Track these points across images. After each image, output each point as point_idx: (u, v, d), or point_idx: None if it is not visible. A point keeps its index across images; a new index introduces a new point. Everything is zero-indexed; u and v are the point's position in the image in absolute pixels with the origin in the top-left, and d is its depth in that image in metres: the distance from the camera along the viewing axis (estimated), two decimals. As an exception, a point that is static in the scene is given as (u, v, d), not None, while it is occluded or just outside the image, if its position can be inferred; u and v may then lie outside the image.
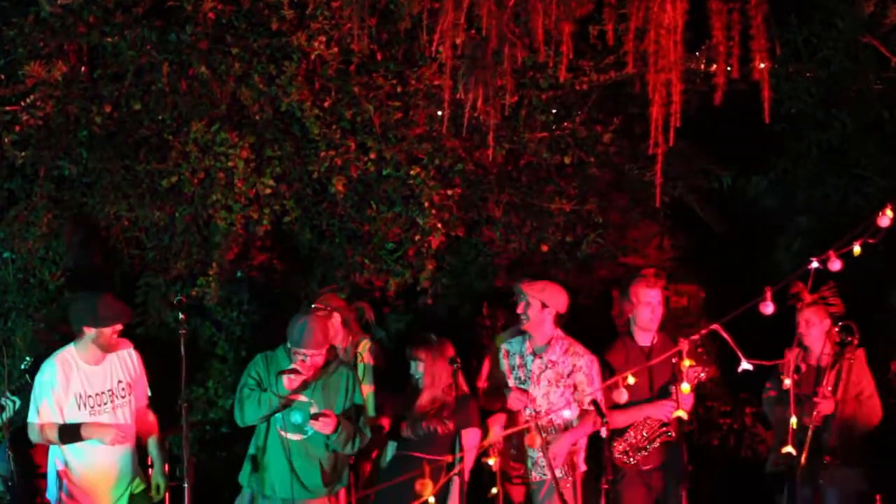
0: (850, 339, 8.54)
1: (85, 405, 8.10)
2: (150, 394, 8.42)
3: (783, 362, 8.59)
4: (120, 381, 8.19)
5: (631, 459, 8.65)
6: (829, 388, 8.57)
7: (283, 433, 8.10)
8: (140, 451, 8.39)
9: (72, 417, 8.08)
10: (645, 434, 8.63)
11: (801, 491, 8.58)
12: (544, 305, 8.59)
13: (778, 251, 10.55)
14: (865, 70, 9.94)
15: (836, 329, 8.54)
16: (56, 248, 9.47)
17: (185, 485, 7.90)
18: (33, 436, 8.12)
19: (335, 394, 8.19)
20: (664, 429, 8.54)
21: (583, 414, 8.45)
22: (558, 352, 8.64)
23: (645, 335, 8.79)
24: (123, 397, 8.19)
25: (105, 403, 8.14)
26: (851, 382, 8.63)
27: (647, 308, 8.75)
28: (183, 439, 7.99)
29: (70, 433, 8.04)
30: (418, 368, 8.49)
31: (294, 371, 7.92)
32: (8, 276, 9.56)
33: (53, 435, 8.03)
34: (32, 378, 8.16)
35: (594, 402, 8.18)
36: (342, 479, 8.35)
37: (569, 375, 8.61)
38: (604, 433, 8.06)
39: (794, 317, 8.64)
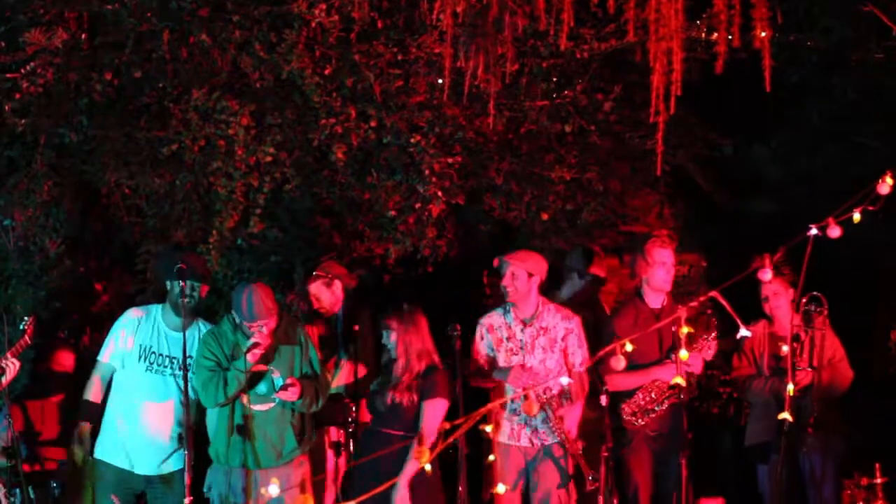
0: (819, 309, 8.57)
1: (146, 359, 8.24)
2: None
3: (750, 337, 8.61)
4: (190, 357, 8.22)
5: (639, 421, 8.66)
6: (805, 359, 8.63)
7: (249, 405, 8.09)
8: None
9: (129, 364, 8.24)
10: (653, 395, 8.64)
11: (784, 460, 8.64)
12: (530, 274, 8.60)
13: (777, 218, 10.57)
14: (866, 39, 9.92)
15: (804, 300, 8.57)
16: (56, 215, 9.47)
17: (185, 451, 7.92)
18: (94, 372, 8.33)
19: (292, 356, 8.19)
20: (672, 391, 8.54)
21: (575, 378, 8.46)
22: (549, 317, 8.66)
23: (656, 297, 8.79)
24: (182, 370, 8.21)
25: (165, 367, 8.26)
26: (825, 350, 8.68)
27: (661, 268, 8.75)
28: (183, 406, 8.01)
29: (83, 408, 8.17)
30: (390, 338, 8.41)
31: (256, 345, 7.91)
32: (8, 244, 9.57)
33: (92, 387, 8.24)
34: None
35: (594, 369, 8.21)
36: (312, 435, 8.36)
37: (562, 339, 8.63)
38: (603, 401, 8.08)
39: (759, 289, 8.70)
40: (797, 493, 8.72)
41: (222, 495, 8.11)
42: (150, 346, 8.27)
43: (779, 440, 8.37)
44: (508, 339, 8.67)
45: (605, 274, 9.61)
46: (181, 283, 8.15)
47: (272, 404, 8.11)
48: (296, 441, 8.18)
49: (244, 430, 8.06)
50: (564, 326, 8.67)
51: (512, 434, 8.63)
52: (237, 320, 8.07)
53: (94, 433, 8.26)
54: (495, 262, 8.71)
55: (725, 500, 8.76)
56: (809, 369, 8.59)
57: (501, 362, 8.64)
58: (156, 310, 8.38)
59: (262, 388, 8.09)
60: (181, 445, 8.07)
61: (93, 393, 8.27)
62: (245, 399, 8.06)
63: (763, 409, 8.73)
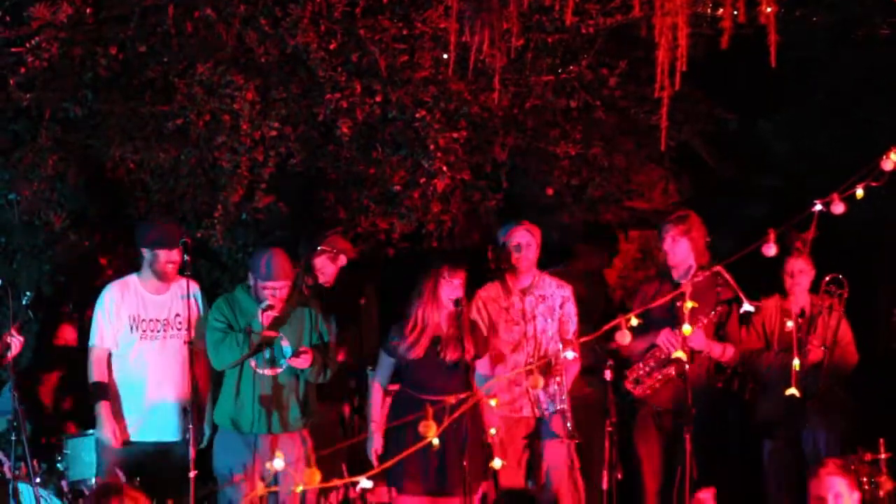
0: (839, 291, 8.58)
1: (137, 328, 8.32)
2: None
3: (760, 310, 8.63)
4: (178, 315, 8.36)
5: (637, 389, 8.68)
6: (818, 338, 8.65)
7: (257, 370, 8.13)
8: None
9: (124, 339, 8.31)
10: (652, 364, 8.66)
11: (788, 437, 8.66)
12: (538, 244, 8.68)
13: (782, 193, 10.55)
14: (872, 15, 9.90)
15: (826, 279, 8.58)
16: (61, 190, 9.46)
17: (190, 425, 7.95)
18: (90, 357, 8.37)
19: (302, 327, 8.25)
20: (671, 365, 8.54)
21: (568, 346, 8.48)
22: (545, 286, 8.70)
23: (677, 271, 8.80)
24: (179, 330, 8.34)
25: (158, 331, 8.34)
26: (838, 331, 8.70)
27: (665, 243, 8.79)
28: (189, 380, 8.03)
29: (95, 391, 8.24)
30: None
31: (270, 307, 7.98)
32: (13, 218, 9.57)
33: (93, 369, 8.28)
34: (34, 313, 8.26)
35: (599, 345, 8.23)
36: (313, 411, 8.39)
37: (560, 307, 8.67)
38: (608, 375, 8.09)
39: (784, 264, 8.71)
40: (800, 470, 8.73)
41: (227, 461, 8.18)
42: (138, 315, 8.33)
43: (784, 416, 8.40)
44: (508, 309, 8.69)
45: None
46: (162, 251, 8.28)
47: (280, 370, 8.14)
48: (300, 411, 8.21)
49: (246, 394, 8.11)
50: (561, 294, 8.75)
51: (513, 406, 8.66)
52: (252, 282, 8.14)
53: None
54: (517, 232, 8.69)
55: (716, 489, 8.75)
56: (822, 348, 8.61)
57: (502, 333, 8.67)
58: (133, 278, 8.44)
59: (268, 352, 8.13)
60: (186, 419, 8.09)
61: (97, 374, 8.33)
62: (253, 363, 8.10)
63: (772, 386, 8.73)
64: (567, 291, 8.80)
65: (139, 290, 8.41)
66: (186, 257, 8.12)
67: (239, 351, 8.07)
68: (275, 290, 8.06)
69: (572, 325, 8.70)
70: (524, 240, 8.71)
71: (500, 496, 8.64)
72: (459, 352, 8.20)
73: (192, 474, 7.80)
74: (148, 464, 8.30)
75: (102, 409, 8.26)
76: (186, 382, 8.21)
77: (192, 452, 7.87)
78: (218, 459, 8.24)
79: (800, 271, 8.77)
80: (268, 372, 8.15)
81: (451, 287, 8.27)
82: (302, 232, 9.69)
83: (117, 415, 8.30)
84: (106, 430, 8.23)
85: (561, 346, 8.44)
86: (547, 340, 8.64)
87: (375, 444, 8.31)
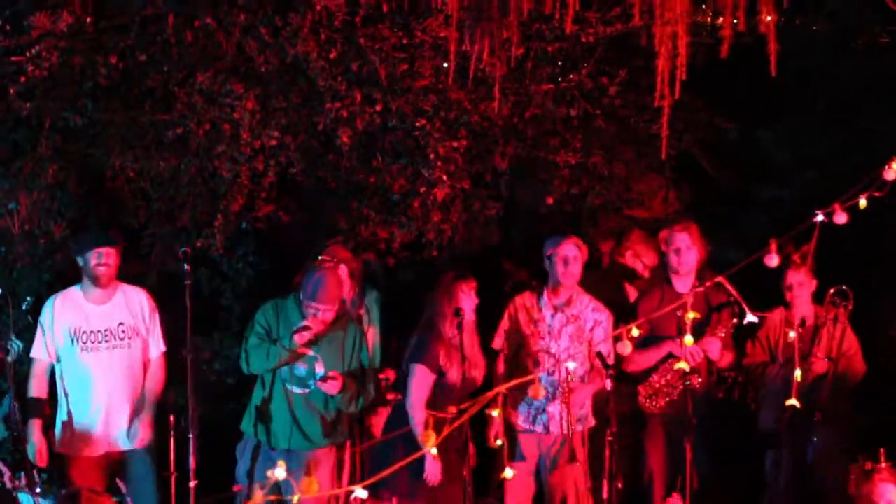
0: (844, 303, 8.57)
1: (78, 340, 8.22)
2: (163, 348, 8.45)
3: (767, 322, 8.66)
4: (121, 324, 8.29)
5: (656, 403, 8.67)
6: (823, 350, 8.64)
7: (287, 386, 8.13)
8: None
9: (64, 352, 8.23)
10: (668, 378, 8.64)
11: (792, 448, 8.65)
12: (584, 261, 8.63)
13: (783, 204, 10.55)
14: (872, 23, 9.91)
15: (832, 291, 8.57)
16: (61, 199, 9.46)
17: (190, 435, 7.94)
18: (32, 369, 8.31)
19: (341, 351, 8.19)
20: (688, 376, 8.52)
21: (592, 368, 8.48)
22: (582, 306, 8.63)
23: (681, 281, 8.77)
24: (122, 339, 8.28)
25: (100, 342, 8.25)
26: (843, 343, 8.68)
27: (672, 253, 8.75)
28: (188, 390, 8.01)
29: (29, 407, 8.21)
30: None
31: (306, 328, 7.93)
32: (13, 228, 9.56)
33: (33, 383, 8.24)
34: (34, 318, 8.24)
35: (598, 354, 8.20)
36: (345, 432, 8.38)
37: (590, 330, 8.61)
38: (608, 385, 8.07)
39: (783, 276, 8.70)
40: (802, 481, 8.72)
41: (248, 471, 8.18)
42: (80, 327, 8.26)
43: (787, 427, 8.39)
44: (537, 322, 8.65)
45: None
46: (90, 253, 8.21)
47: (307, 390, 8.12)
48: (321, 433, 8.19)
49: (272, 408, 8.10)
50: (594, 318, 8.66)
51: (528, 419, 8.64)
52: (301, 298, 8.10)
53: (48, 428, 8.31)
54: (566, 245, 8.62)
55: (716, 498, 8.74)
56: (826, 360, 8.60)
57: (528, 345, 8.64)
58: (75, 290, 8.36)
59: (301, 371, 8.12)
60: (132, 428, 8.11)
61: (36, 389, 8.26)
62: (284, 378, 8.11)
63: (775, 396, 8.72)
64: (603, 316, 8.69)
65: (80, 302, 8.31)
66: (186, 266, 8.09)
67: (265, 362, 8.04)
68: (317, 311, 8.01)
69: (604, 350, 8.55)
70: (571, 254, 8.60)
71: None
72: (482, 369, 8.21)
73: (192, 484, 7.79)
74: (108, 474, 8.29)
75: (34, 427, 8.17)
76: (134, 393, 8.27)
77: (192, 462, 7.86)
78: (240, 466, 8.23)
79: (799, 284, 8.75)
80: (297, 390, 8.13)
81: (470, 300, 8.28)
82: (302, 242, 9.70)
83: (65, 427, 8.27)
84: (34, 447, 8.15)
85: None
86: (566, 360, 8.58)
87: (432, 470, 8.21)
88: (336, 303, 8.07)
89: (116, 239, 8.33)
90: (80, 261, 8.30)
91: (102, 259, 8.22)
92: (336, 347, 8.18)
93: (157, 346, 8.45)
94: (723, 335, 8.63)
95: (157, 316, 8.45)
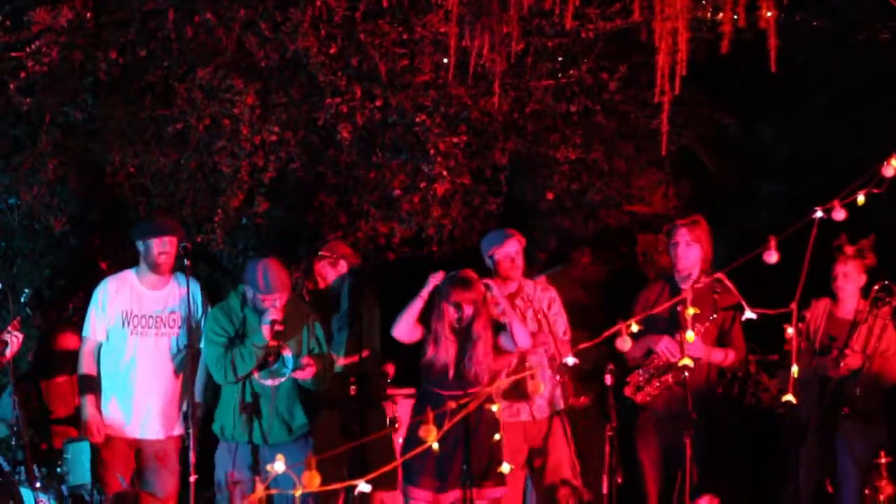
0: (888, 298, 8.55)
1: (129, 323, 8.25)
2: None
3: (811, 311, 8.66)
4: (173, 312, 8.30)
5: (638, 396, 8.66)
6: (860, 344, 8.61)
7: (261, 381, 8.10)
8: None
9: (114, 334, 8.25)
10: (651, 371, 8.63)
11: (815, 443, 8.64)
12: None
13: (783, 200, 10.55)
14: (872, 19, 9.90)
15: (876, 287, 8.55)
16: (61, 194, 9.47)
17: (191, 430, 7.95)
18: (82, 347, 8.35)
19: (301, 334, 8.19)
20: (666, 375, 8.53)
21: (563, 345, 8.46)
22: (529, 289, 8.64)
23: (684, 278, 8.76)
24: (171, 328, 8.28)
25: (150, 328, 8.27)
26: (882, 340, 8.66)
27: (674, 248, 8.73)
28: (188, 385, 8.02)
29: (81, 383, 8.23)
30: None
31: (275, 321, 7.91)
32: (13, 223, 9.58)
33: (83, 360, 8.28)
34: (32, 310, 8.25)
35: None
36: (319, 411, 8.40)
37: (548, 307, 8.63)
38: (608, 380, 8.07)
39: (832, 267, 8.68)
40: (830, 476, 8.73)
41: (227, 473, 8.12)
42: (131, 310, 8.28)
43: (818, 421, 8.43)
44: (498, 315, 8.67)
45: None
46: (154, 240, 8.21)
47: (282, 379, 8.12)
48: (305, 416, 8.20)
49: (252, 406, 8.08)
50: (547, 296, 8.68)
51: (512, 411, 8.64)
52: (249, 294, 8.05)
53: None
54: (510, 243, 8.59)
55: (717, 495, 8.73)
56: (860, 353, 8.58)
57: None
58: (131, 274, 8.37)
59: (274, 364, 8.11)
60: (187, 421, 8.09)
61: (86, 366, 8.29)
62: (255, 374, 8.08)
63: (806, 389, 8.70)
64: (552, 293, 8.72)
65: (135, 285, 8.33)
66: (186, 261, 8.09)
67: (245, 366, 8.02)
68: (275, 302, 8.01)
69: (561, 326, 8.62)
70: (514, 249, 8.62)
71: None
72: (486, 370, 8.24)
73: (192, 479, 7.80)
74: (137, 461, 8.30)
75: (88, 402, 8.23)
76: (175, 382, 8.26)
77: (192, 457, 7.87)
78: (220, 470, 8.21)
79: (844, 276, 8.70)
80: (270, 382, 8.12)
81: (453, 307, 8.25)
82: (302, 237, 9.71)
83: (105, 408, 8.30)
84: (88, 424, 8.20)
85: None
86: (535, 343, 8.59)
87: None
88: (287, 288, 8.06)
89: (177, 229, 8.37)
90: (140, 246, 8.31)
91: (165, 247, 8.24)
92: (294, 332, 8.16)
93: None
94: (702, 329, 8.59)
95: (205, 307, 8.46)
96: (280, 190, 9.66)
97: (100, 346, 8.32)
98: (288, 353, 8.07)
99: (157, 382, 8.29)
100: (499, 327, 8.28)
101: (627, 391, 8.68)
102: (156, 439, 8.31)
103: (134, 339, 8.27)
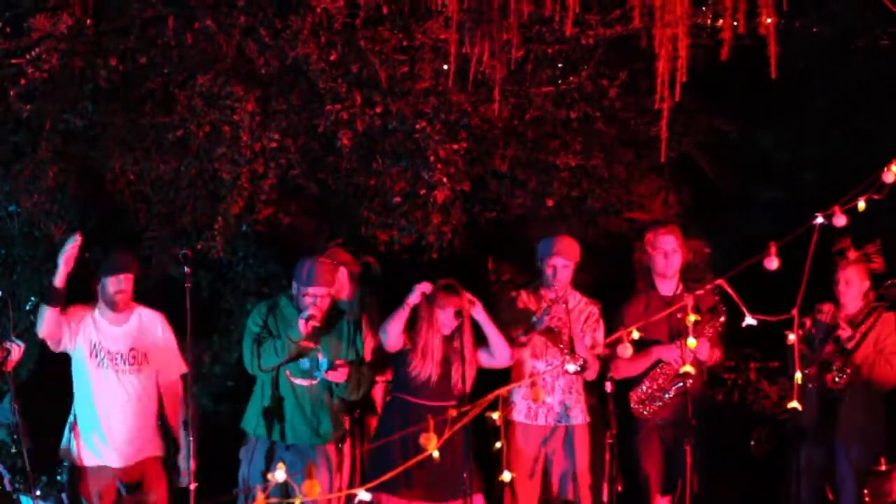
0: (884, 304, 8.56)
1: (96, 355, 8.20)
2: (185, 369, 8.36)
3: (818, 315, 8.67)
4: (132, 349, 8.27)
5: (647, 410, 8.65)
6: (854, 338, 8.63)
7: (292, 379, 8.15)
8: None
9: (80, 356, 8.21)
10: (660, 382, 8.63)
11: (814, 449, 8.64)
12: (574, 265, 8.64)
13: (783, 206, 10.55)
14: (872, 25, 9.91)
15: (886, 283, 8.56)
16: (61, 201, 9.46)
17: (191, 437, 7.94)
18: (38, 324, 8.19)
19: (339, 341, 8.25)
20: (678, 379, 8.52)
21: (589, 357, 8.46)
22: (575, 300, 8.65)
23: (666, 284, 8.77)
24: (132, 365, 8.26)
25: (114, 362, 8.23)
26: (878, 338, 8.65)
27: (660, 254, 8.74)
28: (188, 392, 8.01)
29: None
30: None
31: (312, 316, 7.96)
32: (13, 230, 9.56)
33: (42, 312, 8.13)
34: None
35: (584, 367, 8.23)
36: (342, 424, 8.40)
37: (585, 321, 8.64)
38: (608, 388, 8.07)
39: (833, 273, 8.68)
40: (830, 478, 8.72)
41: (260, 471, 8.14)
42: (99, 342, 8.25)
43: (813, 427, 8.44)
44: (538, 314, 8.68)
45: None
46: (109, 279, 8.22)
47: (315, 381, 8.15)
48: (332, 424, 8.22)
49: (279, 404, 8.11)
50: (588, 310, 8.71)
51: (529, 413, 8.64)
52: (294, 291, 8.18)
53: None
54: (556, 258, 8.61)
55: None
56: (852, 329, 8.56)
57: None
58: (91, 313, 8.33)
59: (305, 363, 8.17)
60: (187, 431, 8.09)
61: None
62: (288, 372, 8.15)
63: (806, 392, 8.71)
64: (594, 307, 8.77)
65: (98, 321, 8.30)
66: (186, 269, 8.09)
67: (276, 358, 8.06)
68: (315, 298, 8.06)
69: (591, 338, 8.63)
70: (560, 263, 8.61)
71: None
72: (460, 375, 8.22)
73: (192, 486, 7.79)
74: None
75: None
76: (142, 419, 8.25)
77: (192, 464, 7.86)
78: (251, 468, 8.21)
79: (846, 281, 8.71)
80: (303, 382, 8.16)
81: (446, 314, 8.25)
82: (302, 244, 9.70)
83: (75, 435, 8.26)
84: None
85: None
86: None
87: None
88: (331, 286, 8.16)
89: (131, 265, 8.34)
90: (95, 284, 8.32)
91: (121, 286, 8.24)
92: (334, 337, 8.25)
93: (177, 369, 8.43)
94: (710, 335, 8.61)
95: (172, 340, 8.43)
96: (280, 197, 9.65)
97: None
98: (322, 358, 8.11)
99: (119, 419, 8.23)
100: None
101: (634, 405, 8.65)
102: (134, 463, 8.28)
103: (99, 372, 8.22)
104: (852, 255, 8.59)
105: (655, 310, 8.46)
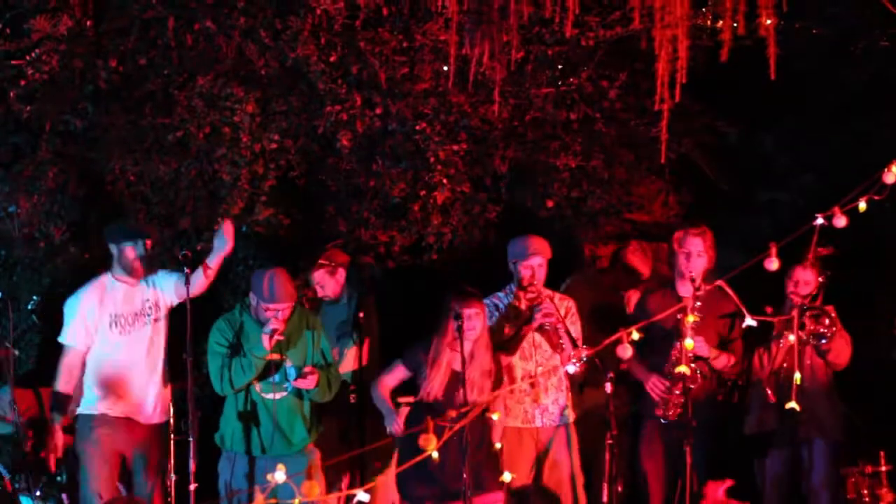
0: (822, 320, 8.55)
1: (117, 324, 8.26)
2: (187, 270, 8.21)
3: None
4: (147, 300, 8.32)
5: (668, 412, 8.60)
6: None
7: (262, 393, 8.08)
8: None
9: (103, 337, 8.25)
10: (672, 387, 8.60)
11: (780, 451, 8.64)
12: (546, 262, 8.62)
13: (783, 207, 10.55)
14: (872, 27, 9.90)
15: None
16: (61, 202, 9.46)
17: (191, 438, 7.93)
18: (64, 358, 8.26)
19: (304, 347, 8.18)
20: (678, 384, 8.51)
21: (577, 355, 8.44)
22: (549, 300, 8.64)
23: (685, 285, 8.72)
24: (148, 315, 8.34)
25: (133, 324, 8.29)
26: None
27: (682, 255, 8.69)
28: (188, 393, 8.00)
29: (55, 402, 8.21)
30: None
31: (275, 331, 7.89)
32: (13, 231, 9.56)
33: (62, 372, 8.19)
34: (39, 318, 8.24)
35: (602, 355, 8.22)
36: (320, 426, 8.37)
37: (565, 316, 8.62)
38: (608, 388, 8.06)
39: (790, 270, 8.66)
40: (797, 479, 8.71)
41: (227, 483, 8.12)
42: (119, 312, 8.30)
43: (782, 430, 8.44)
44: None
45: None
46: (128, 245, 8.27)
47: (284, 393, 8.10)
48: (306, 431, 8.18)
49: (251, 417, 8.07)
50: (565, 305, 8.69)
51: (526, 417, 8.64)
52: (253, 303, 8.06)
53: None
54: (533, 257, 8.58)
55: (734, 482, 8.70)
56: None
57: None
58: (106, 278, 8.38)
59: (276, 377, 8.08)
60: (190, 427, 8.09)
61: (63, 383, 8.24)
62: (258, 387, 8.07)
63: (759, 398, 8.71)
64: (570, 303, 8.76)
65: (114, 286, 8.35)
66: (186, 269, 8.08)
67: (244, 376, 8.01)
68: (277, 312, 7.99)
69: (575, 332, 8.62)
70: (536, 262, 8.60)
71: None
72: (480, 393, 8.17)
73: (192, 487, 7.79)
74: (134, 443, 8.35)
75: (57, 424, 8.19)
76: (160, 366, 8.33)
77: (192, 465, 7.85)
78: (221, 479, 8.18)
79: (805, 283, 8.67)
80: (272, 395, 8.11)
81: (470, 324, 8.18)
82: (302, 245, 9.70)
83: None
84: (56, 444, 8.16)
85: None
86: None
87: (397, 422, 8.19)
88: (292, 299, 8.06)
89: (151, 231, 8.46)
90: (113, 249, 8.35)
91: (140, 251, 8.30)
92: (299, 344, 8.16)
93: (172, 278, 8.43)
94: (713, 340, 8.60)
95: (169, 272, 8.49)
96: (280, 198, 9.66)
97: (82, 355, 8.31)
98: (290, 365, 8.07)
99: (147, 373, 8.32)
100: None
101: (658, 412, 8.63)
102: (157, 423, 8.35)
103: (122, 339, 8.29)
104: (811, 257, 8.55)
105: (668, 306, 8.39)
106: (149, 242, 8.33)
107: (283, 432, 8.09)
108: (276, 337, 7.89)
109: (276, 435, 8.06)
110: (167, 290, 8.40)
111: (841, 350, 8.65)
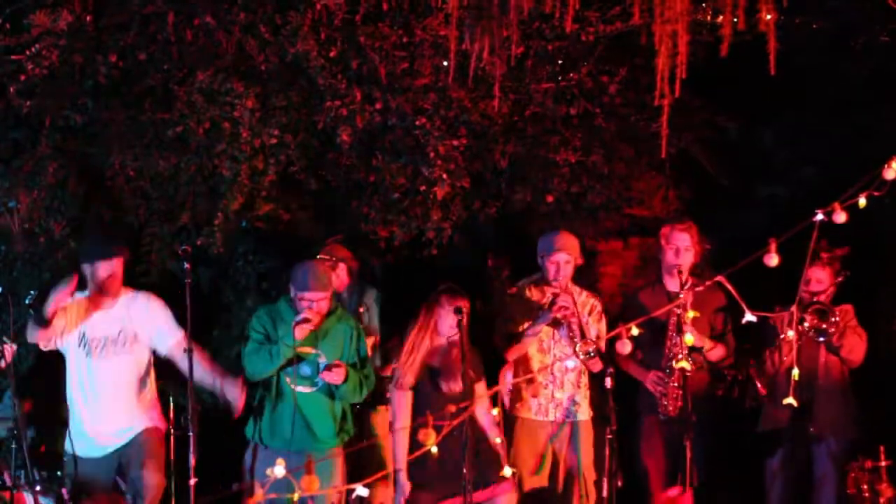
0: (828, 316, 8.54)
1: (86, 345, 8.22)
2: (180, 334, 8.30)
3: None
4: (121, 331, 8.26)
5: (670, 406, 8.60)
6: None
7: (292, 386, 8.12)
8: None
9: (70, 353, 8.23)
10: (671, 383, 8.61)
11: (790, 447, 8.64)
12: (576, 261, 8.65)
13: (783, 202, 10.55)
14: (872, 22, 9.90)
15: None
16: (61, 197, 9.46)
17: (191, 433, 7.93)
18: (27, 333, 8.21)
19: (340, 344, 8.21)
20: (675, 377, 8.52)
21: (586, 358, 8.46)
22: (577, 294, 8.65)
23: (673, 280, 8.75)
24: (124, 345, 8.26)
25: (103, 348, 8.24)
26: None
27: (670, 250, 8.71)
28: (188, 388, 8.01)
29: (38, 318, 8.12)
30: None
31: (305, 320, 7.94)
32: (13, 226, 9.56)
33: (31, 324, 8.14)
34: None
35: (598, 351, 8.22)
36: (350, 428, 8.38)
37: (589, 314, 8.65)
38: (608, 383, 8.07)
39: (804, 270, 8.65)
40: (807, 476, 8.71)
41: (248, 471, 8.21)
42: (86, 332, 8.26)
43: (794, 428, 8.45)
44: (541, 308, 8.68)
45: None
46: (100, 264, 8.19)
47: (315, 388, 8.12)
48: (333, 430, 8.19)
49: (276, 409, 8.12)
50: (591, 302, 8.74)
51: (539, 410, 8.65)
52: (292, 294, 8.13)
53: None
54: (559, 254, 8.63)
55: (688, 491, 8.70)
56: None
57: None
58: (80, 296, 8.30)
59: (306, 370, 8.12)
60: (189, 424, 8.09)
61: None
62: (289, 379, 8.11)
63: (773, 397, 8.71)
64: (596, 301, 8.81)
65: (87, 308, 8.29)
66: (186, 265, 8.08)
67: (269, 364, 8.03)
68: (311, 303, 8.01)
69: (595, 330, 8.65)
70: (562, 259, 8.62)
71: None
72: (461, 383, 8.14)
73: (192, 481, 7.79)
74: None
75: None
76: (133, 392, 8.27)
77: (192, 460, 7.86)
78: (257, 475, 8.19)
79: (818, 281, 8.67)
80: (304, 389, 8.13)
81: (448, 317, 8.22)
82: (302, 240, 9.70)
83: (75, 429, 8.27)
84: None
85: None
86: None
87: (403, 490, 8.20)
88: (329, 290, 8.11)
89: (121, 251, 8.35)
90: (85, 269, 8.28)
91: (112, 270, 8.23)
92: (335, 341, 8.20)
93: (172, 336, 8.39)
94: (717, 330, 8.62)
95: (162, 311, 8.42)
96: (280, 193, 9.66)
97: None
98: (323, 360, 8.09)
99: (117, 405, 8.27)
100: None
101: (661, 409, 8.64)
102: (132, 439, 8.29)
103: (91, 361, 8.25)
104: (825, 256, 8.56)
105: (658, 305, 8.41)
106: (119, 262, 8.27)
107: (310, 427, 8.10)
108: (308, 327, 7.92)
109: (301, 429, 8.08)
110: (160, 344, 8.38)
111: (854, 346, 8.68)
